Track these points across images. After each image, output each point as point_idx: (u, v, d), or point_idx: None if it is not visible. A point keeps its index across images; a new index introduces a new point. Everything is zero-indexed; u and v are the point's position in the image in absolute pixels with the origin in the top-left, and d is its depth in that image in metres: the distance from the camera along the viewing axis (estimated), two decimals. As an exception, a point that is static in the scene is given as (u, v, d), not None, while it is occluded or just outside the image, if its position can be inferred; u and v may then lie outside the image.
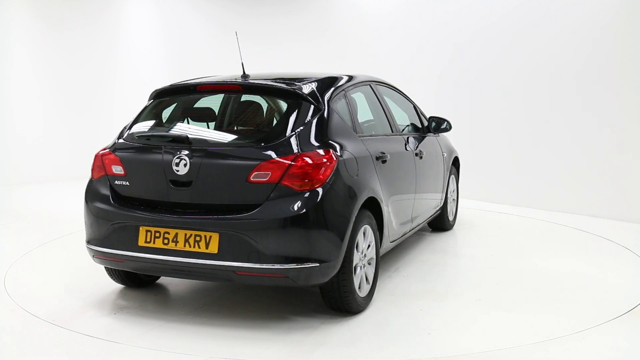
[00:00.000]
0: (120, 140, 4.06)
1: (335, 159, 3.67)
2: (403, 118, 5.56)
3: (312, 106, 3.84)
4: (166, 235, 3.67)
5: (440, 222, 6.10)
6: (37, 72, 9.98)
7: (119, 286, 4.55)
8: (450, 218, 6.26)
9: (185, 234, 3.62)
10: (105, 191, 3.95)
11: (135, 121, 4.19)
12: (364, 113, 4.78)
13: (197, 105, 4.26)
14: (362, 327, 3.78)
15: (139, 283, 4.47)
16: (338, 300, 3.80)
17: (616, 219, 6.75)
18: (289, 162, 3.53)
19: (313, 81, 4.10)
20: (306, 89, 3.93)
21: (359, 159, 3.94)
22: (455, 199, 6.41)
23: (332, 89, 4.10)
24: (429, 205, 5.46)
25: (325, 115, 3.86)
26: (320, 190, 3.55)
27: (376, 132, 4.73)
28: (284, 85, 3.98)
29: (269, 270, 3.49)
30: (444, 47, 8.31)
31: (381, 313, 3.99)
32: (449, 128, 5.70)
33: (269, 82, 4.07)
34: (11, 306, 4.15)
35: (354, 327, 3.76)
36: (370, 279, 4.07)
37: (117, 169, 3.92)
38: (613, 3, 6.78)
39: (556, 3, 7.25)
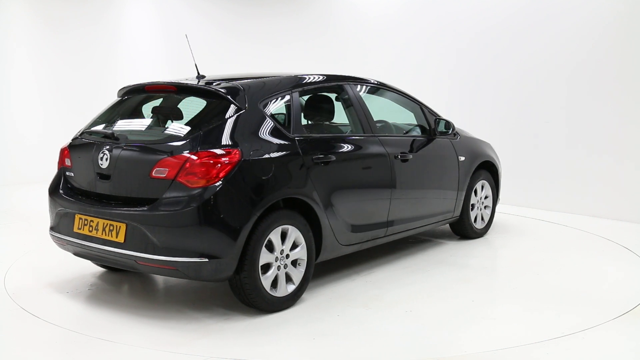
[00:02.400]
0: (76, 136, 4.45)
1: (236, 158, 3.74)
2: (407, 120, 5.51)
3: (233, 106, 3.95)
4: (91, 224, 4.00)
5: (461, 229, 5.85)
6: (37, 73, 9.98)
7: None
8: (479, 226, 5.93)
9: (103, 223, 3.91)
10: (59, 181, 4.44)
11: (95, 118, 4.53)
12: (331, 114, 4.78)
13: (141, 104, 4.46)
14: (261, 325, 3.80)
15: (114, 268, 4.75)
16: (244, 297, 3.89)
17: (616, 219, 6.74)
18: (184, 160, 3.67)
19: (249, 82, 4.21)
20: (232, 89, 4.05)
21: (278, 159, 3.97)
22: (490, 205, 6.05)
23: (267, 89, 4.21)
24: (426, 210, 5.27)
25: (246, 115, 3.95)
26: (213, 188, 3.65)
27: (340, 133, 4.75)
28: (210, 86, 4.12)
29: (161, 262, 3.68)
30: (445, 47, 8.30)
31: (295, 315, 3.98)
32: (449, 130, 5.47)
33: (199, 84, 4.21)
34: (11, 306, 4.16)
35: (253, 325, 3.81)
36: (297, 280, 4.09)
37: (68, 162, 4.40)
38: (618, 4, 6.77)
39: (558, 3, 7.24)
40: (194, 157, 3.68)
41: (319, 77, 4.70)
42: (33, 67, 9.95)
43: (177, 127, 4.07)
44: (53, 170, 4.70)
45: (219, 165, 3.69)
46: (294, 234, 4.04)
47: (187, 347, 3.49)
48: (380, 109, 5.43)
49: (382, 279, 4.73)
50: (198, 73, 4.64)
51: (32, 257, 5.39)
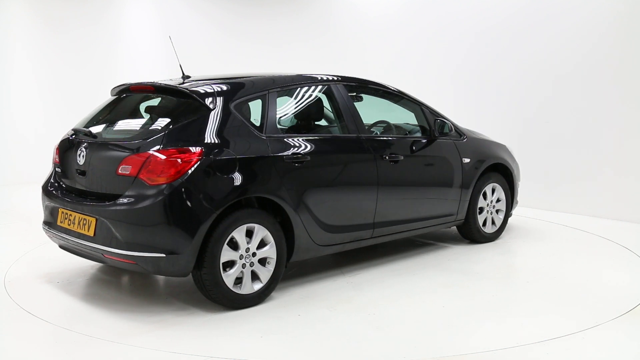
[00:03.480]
0: (66, 134, 4.62)
1: (196, 157, 3.82)
2: (406, 121, 5.45)
3: (203, 107, 4.04)
4: (70, 217, 4.18)
5: (468, 233, 5.70)
6: (37, 73, 9.98)
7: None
8: (489, 230, 5.75)
9: (78, 217, 4.09)
10: (50, 177, 4.63)
11: (86, 116, 4.67)
12: (318, 115, 4.81)
13: (126, 103, 4.56)
14: (216, 321, 3.87)
15: None
16: (206, 293, 3.98)
17: (616, 219, 6.74)
18: (146, 158, 3.80)
19: (224, 83, 4.29)
20: (203, 90, 4.13)
21: (244, 159, 4.01)
22: (503, 209, 5.85)
23: (241, 90, 4.26)
24: (423, 212, 5.16)
25: (214, 115, 4.03)
26: (171, 186, 3.75)
27: (325, 134, 4.76)
28: (182, 87, 4.21)
29: (123, 256, 3.82)
30: (446, 47, 8.31)
31: (256, 312, 4.02)
32: (448, 131, 5.34)
33: (174, 84, 4.29)
34: (11, 306, 4.16)
35: (211, 320, 3.89)
36: (265, 278, 4.12)
37: (57, 158, 4.58)
38: (618, 3, 6.77)
39: (560, 2, 7.24)
40: (155, 156, 3.79)
41: (302, 78, 4.70)
42: (33, 67, 9.94)
43: (146, 126, 4.15)
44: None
45: (178, 164, 3.78)
46: (260, 232, 4.07)
47: (137, 337, 3.60)
48: (376, 109, 5.40)
49: (365, 280, 4.67)
50: (183, 73, 4.72)
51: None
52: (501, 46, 7.75)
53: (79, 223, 4.07)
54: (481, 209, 5.70)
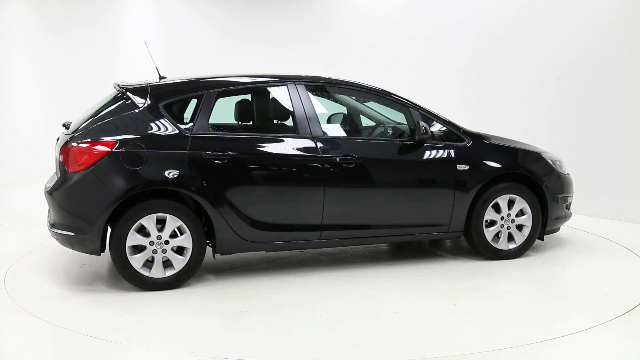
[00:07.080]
0: None
1: (106, 149, 4.26)
2: (392, 122, 5.31)
3: (132, 105, 4.51)
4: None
5: (472, 247, 5.20)
6: (37, 73, 9.98)
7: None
8: (502, 247, 5.14)
9: (50, 200, 4.56)
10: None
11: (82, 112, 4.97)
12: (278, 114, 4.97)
13: (105, 100, 4.85)
14: (110, 298, 4.27)
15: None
16: (118, 272, 4.42)
17: (616, 219, 6.75)
18: (69, 148, 4.31)
19: (162, 84, 4.69)
20: (136, 90, 4.59)
21: (154, 154, 4.34)
22: (529, 225, 5.17)
23: (176, 91, 4.65)
24: (396, 219, 4.87)
25: (139, 113, 4.46)
26: (80, 173, 4.27)
27: (264, 132, 4.83)
28: (123, 87, 4.65)
29: (52, 232, 4.46)
30: (449, 47, 8.31)
31: (149, 295, 4.30)
32: (422, 134, 4.86)
33: (126, 84, 4.69)
34: (11, 306, 4.17)
35: (106, 297, 4.29)
36: (179, 266, 4.42)
37: None
38: (628, 3, 6.77)
39: (557, 4, 7.24)
40: (74, 147, 4.29)
41: (256, 79, 4.90)
42: (33, 68, 9.95)
43: (90, 121, 4.48)
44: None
45: (90, 154, 4.25)
46: (173, 222, 4.37)
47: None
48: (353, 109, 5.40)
49: (301, 282, 4.61)
50: (159, 75, 4.96)
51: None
52: (504, 45, 7.73)
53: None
54: (493, 222, 5.15)
